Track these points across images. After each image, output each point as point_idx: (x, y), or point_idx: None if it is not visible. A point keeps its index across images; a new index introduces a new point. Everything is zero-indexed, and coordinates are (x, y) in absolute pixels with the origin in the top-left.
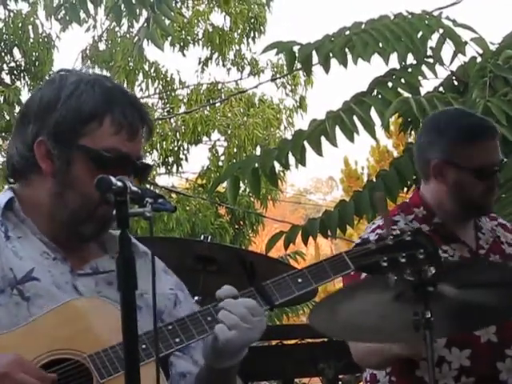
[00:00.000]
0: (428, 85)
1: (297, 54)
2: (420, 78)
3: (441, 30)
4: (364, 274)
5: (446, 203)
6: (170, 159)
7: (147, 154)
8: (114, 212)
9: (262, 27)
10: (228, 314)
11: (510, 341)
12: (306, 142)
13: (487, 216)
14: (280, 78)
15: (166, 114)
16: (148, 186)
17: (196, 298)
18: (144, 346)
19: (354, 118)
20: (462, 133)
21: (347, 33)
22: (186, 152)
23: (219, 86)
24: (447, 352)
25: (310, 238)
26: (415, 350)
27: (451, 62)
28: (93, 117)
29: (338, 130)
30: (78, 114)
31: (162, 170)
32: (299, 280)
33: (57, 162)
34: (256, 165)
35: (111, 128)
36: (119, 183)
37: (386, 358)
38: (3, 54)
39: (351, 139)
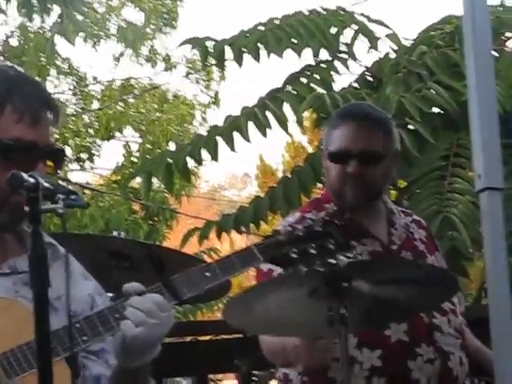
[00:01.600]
0: (343, 80)
1: (211, 50)
2: (334, 73)
3: (354, 26)
4: (278, 271)
5: (332, 195)
6: (84, 155)
7: None
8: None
9: (174, 22)
10: (134, 311)
11: (420, 339)
12: (219, 138)
13: (402, 211)
14: (194, 73)
15: (79, 110)
16: (61, 181)
17: (109, 295)
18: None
19: (268, 113)
20: (334, 119)
21: (262, 28)
22: (99, 148)
23: (133, 81)
24: (358, 353)
25: (225, 234)
26: (314, 357)
27: (365, 58)
28: None
29: (252, 125)
30: None
31: (75, 166)
32: (207, 274)
33: None
34: (169, 160)
35: (13, 116)
36: (31, 179)
37: (288, 357)
38: None
39: (264, 134)
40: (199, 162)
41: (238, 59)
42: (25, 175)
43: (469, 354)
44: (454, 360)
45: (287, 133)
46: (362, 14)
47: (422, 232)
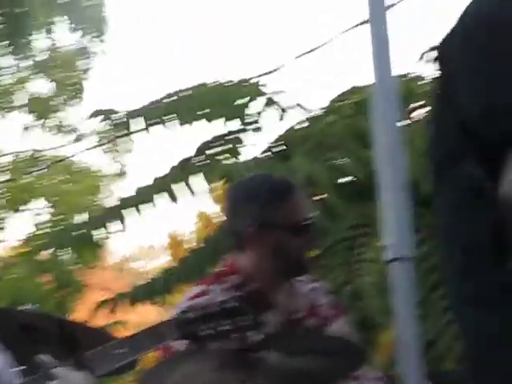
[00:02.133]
0: (254, 150)
1: (119, 121)
2: (245, 143)
3: (264, 98)
4: (186, 343)
5: (266, 268)
6: None
7: None
8: None
9: (81, 94)
10: None
11: None
12: (127, 209)
13: (304, 280)
14: (102, 145)
15: None
16: None
17: (18, 368)
18: None
19: (180, 183)
20: (274, 193)
21: (172, 99)
22: (8, 220)
23: (41, 153)
24: None
25: (136, 305)
26: None
27: (275, 129)
28: None
29: (163, 195)
30: None
31: None
32: (119, 351)
33: None
34: (78, 233)
35: None
36: None
37: None
38: None
39: (175, 201)
40: (107, 233)
41: (149, 129)
42: None
43: None
44: None
45: (201, 203)
46: (268, 86)
47: (327, 298)
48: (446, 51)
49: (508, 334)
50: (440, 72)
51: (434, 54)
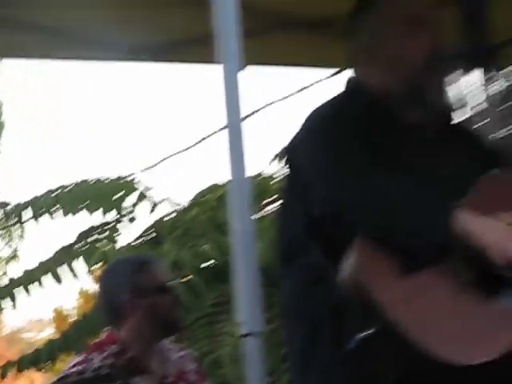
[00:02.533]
0: (128, 237)
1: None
2: (120, 231)
3: (137, 192)
4: None
5: (140, 333)
6: None
7: None
8: None
9: None
10: None
11: None
12: (17, 288)
13: (173, 348)
14: None
15: None
16: None
17: None
18: None
19: (63, 266)
20: (136, 265)
21: (57, 192)
22: None
23: None
24: None
25: (23, 372)
26: None
27: (147, 218)
28: None
29: (48, 276)
30: None
31: None
32: None
33: None
34: None
35: None
36: None
37: None
38: None
39: (59, 282)
40: (0, 309)
41: (37, 219)
42: None
43: None
44: None
45: (78, 284)
46: (142, 182)
47: (193, 364)
48: (292, 153)
49: None
50: (288, 171)
51: (283, 155)
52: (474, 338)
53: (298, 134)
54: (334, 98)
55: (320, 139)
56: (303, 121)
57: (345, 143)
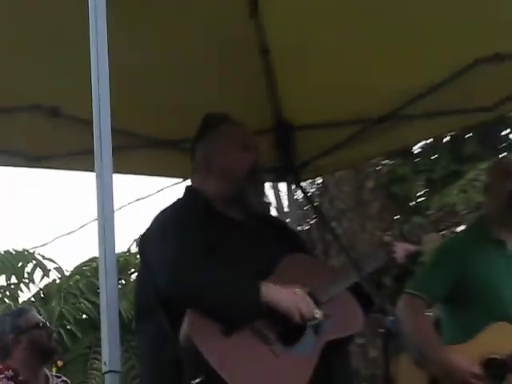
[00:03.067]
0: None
1: None
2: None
3: (34, 261)
4: None
5: (28, 360)
6: None
7: None
8: None
9: None
10: None
11: None
12: None
13: (54, 376)
14: None
15: None
16: None
17: None
18: None
19: None
20: (16, 313)
21: None
22: None
23: None
24: None
25: None
26: None
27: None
28: None
29: None
30: None
31: None
32: None
33: None
34: None
35: None
36: None
37: None
38: None
39: None
40: None
41: None
42: None
43: None
44: None
45: None
46: (39, 253)
47: None
48: (142, 244)
49: None
50: (140, 257)
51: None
52: (276, 380)
53: (147, 229)
54: (175, 201)
55: (161, 236)
56: (152, 219)
57: (179, 236)
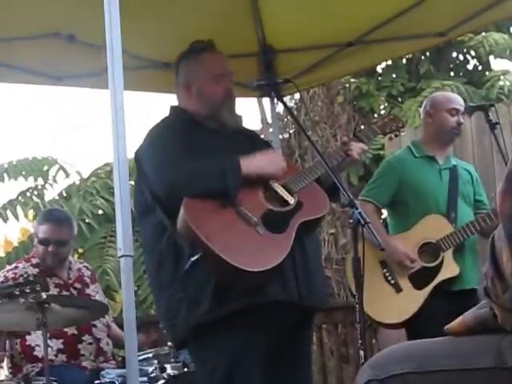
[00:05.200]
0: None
1: None
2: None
3: (57, 166)
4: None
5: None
6: None
7: None
8: None
9: None
10: None
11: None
12: None
13: (75, 262)
14: None
15: None
16: None
17: None
18: None
19: (8, 211)
20: (39, 218)
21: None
22: None
23: None
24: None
25: None
26: None
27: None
28: None
29: None
30: None
31: None
32: None
33: None
34: None
35: None
36: None
37: None
38: None
39: (5, 222)
40: None
41: None
42: None
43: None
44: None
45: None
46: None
47: (89, 272)
48: (138, 153)
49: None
50: (137, 163)
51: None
52: (257, 255)
53: (142, 141)
54: (163, 118)
55: (156, 143)
56: (147, 132)
57: (168, 146)
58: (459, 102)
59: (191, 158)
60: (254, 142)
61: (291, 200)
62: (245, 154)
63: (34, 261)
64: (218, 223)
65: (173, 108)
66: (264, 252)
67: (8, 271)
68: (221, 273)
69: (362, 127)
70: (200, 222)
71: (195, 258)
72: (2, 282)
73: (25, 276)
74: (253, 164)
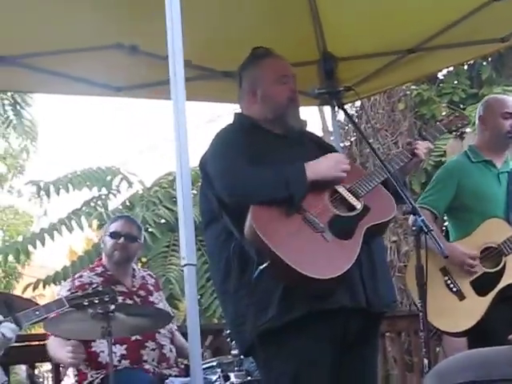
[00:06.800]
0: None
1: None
2: (110, 199)
3: (120, 176)
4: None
5: (112, 261)
6: None
7: None
8: None
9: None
10: None
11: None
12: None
13: (139, 270)
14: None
15: None
16: None
17: None
18: None
19: (73, 221)
20: (112, 220)
21: (70, 176)
22: None
23: None
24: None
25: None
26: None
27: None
28: None
29: (64, 227)
30: None
31: None
32: (36, 312)
33: None
34: (18, 246)
35: None
36: None
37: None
38: None
39: (70, 232)
40: (34, 247)
41: (58, 192)
42: None
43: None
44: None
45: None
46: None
47: (153, 280)
48: (203, 160)
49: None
50: (201, 169)
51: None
52: (325, 262)
53: (207, 149)
54: (227, 126)
55: (219, 151)
56: (211, 140)
57: (232, 152)
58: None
59: (256, 165)
60: (319, 147)
61: (358, 204)
62: (310, 159)
63: (99, 270)
64: (284, 230)
65: (237, 115)
66: (331, 259)
67: (73, 280)
68: (289, 280)
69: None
70: (267, 229)
71: (263, 266)
72: (69, 290)
73: (93, 286)
74: (317, 169)
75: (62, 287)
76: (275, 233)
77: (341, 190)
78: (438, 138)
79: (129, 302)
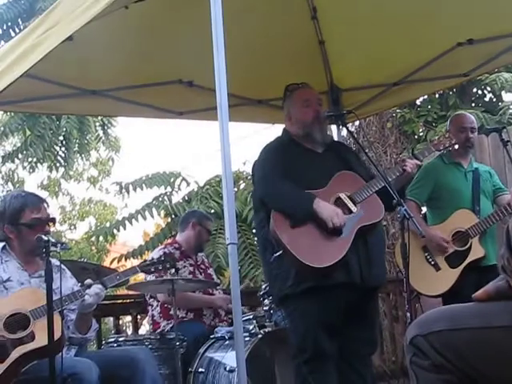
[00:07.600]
0: (178, 196)
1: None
2: (175, 193)
3: (181, 177)
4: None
5: (190, 242)
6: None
7: None
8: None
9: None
10: (89, 291)
11: None
12: (125, 222)
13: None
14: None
15: None
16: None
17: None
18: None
19: (146, 212)
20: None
21: (144, 178)
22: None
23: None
24: None
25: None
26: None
27: (184, 190)
28: None
29: (139, 216)
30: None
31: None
32: (118, 277)
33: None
34: (106, 231)
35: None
36: (45, 237)
37: None
38: None
39: (145, 219)
40: (118, 230)
41: (135, 190)
42: (43, 236)
43: None
44: None
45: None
46: (184, 173)
47: (206, 259)
48: (253, 166)
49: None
50: (252, 173)
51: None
52: (324, 254)
53: (258, 155)
54: (276, 137)
55: (262, 161)
56: (261, 150)
57: (271, 163)
58: (468, 121)
59: (286, 176)
60: (340, 159)
61: (355, 209)
62: (332, 169)
63: (176, 245)
64: (294, 229)
65: (284, 130)
66: (326, 252)
67: (160, 250)
68: (295, 266)
69: (418, 146)
70: (283, 229)
71: (278, 254)
72: (160, 257)
73: (162, 257)
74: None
75: (153, 253)
76: (287, 231)
77: (343, 197)
78: (427, 156)
79: (196, 272)
